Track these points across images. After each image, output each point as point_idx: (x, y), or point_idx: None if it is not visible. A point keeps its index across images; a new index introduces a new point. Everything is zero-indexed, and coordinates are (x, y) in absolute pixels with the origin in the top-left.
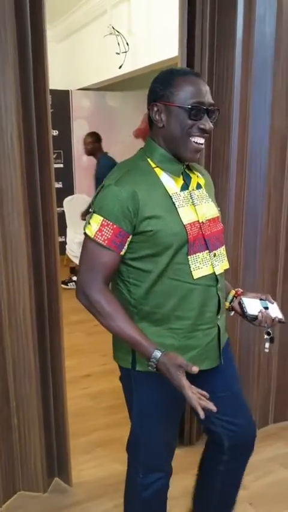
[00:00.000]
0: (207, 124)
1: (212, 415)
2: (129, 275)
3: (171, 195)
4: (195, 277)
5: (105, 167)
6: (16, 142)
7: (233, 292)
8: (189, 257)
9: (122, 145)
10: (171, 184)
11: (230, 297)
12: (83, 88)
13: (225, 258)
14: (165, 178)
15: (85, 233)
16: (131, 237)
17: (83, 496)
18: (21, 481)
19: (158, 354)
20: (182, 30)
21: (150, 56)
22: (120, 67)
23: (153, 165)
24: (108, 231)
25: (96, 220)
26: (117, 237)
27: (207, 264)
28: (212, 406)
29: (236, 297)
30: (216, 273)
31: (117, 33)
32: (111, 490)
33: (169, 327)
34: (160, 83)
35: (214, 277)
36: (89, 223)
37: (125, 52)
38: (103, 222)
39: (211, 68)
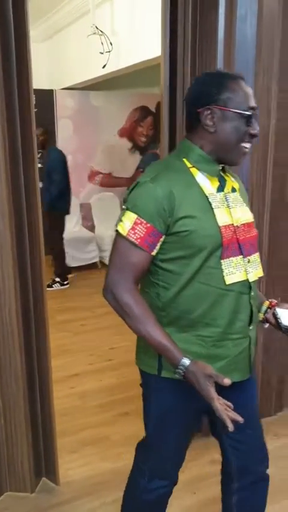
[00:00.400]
0: (257, 128)
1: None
2: (158, 277)
3: (207, 194)
4: (227, 283)
5: (55, 160)
6: (0, 142)
7: (267, 303)
8: (222, 261)
9: (106, 144)
10: (207, 184)
11: (264, 308)
12: (67, 88)
13: (260, 266)
14: (200, 178)
15: (116, 230)
16: (164, 237)
17: (70, 494)
18: (9, 481)
19: (186, 362)
20: (164, 31)
21: (134, 55)
22: (104, 67)
23: (189, 165)
24: (141, 229)
25: (130, 217)
26: (150, 237)
27: (240, 270)
28: (239, 417)
29: (270, 308)
30: (250, 280)
31: (100, 33)
32: (99, 488)
33: (197, 334)
34: (215, 87)
35: (247, 285)
36: (121, 221)
37: (109, 52)
38: (136, 220)
39: (193, 68)
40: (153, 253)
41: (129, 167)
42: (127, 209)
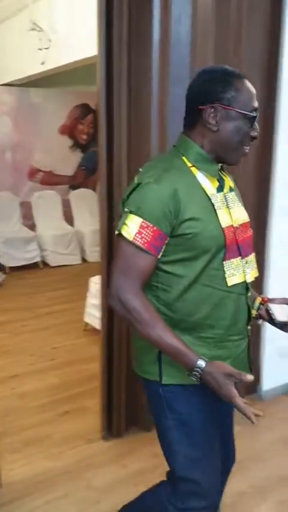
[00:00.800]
0: (257, 131)
1: None
2: (158, 279)
3: (209, 195)
4: (229, 285)
5: None
6: None
7: (259, 299)
8: (224, 262)
9: (46, 141)
10: (207, 184)
11: (257, 304)
12: (5, 84)
13: (255, 266)
14: (201, 178)
15: (120, 234)
16: (168, 239)
17: (13, 495)
18: None
19: (202, 363)
20: (100, 30)
21: (73, 53)
22: (42, 63)
23: (189, 164)
24: (148, 233)
25: (135, 221)
26: (157, 240)
27: (240, 271)
28: (260, 412)
29: (262, 304)
30: (247, 281)
31: (39, 29)
32: (42, 487)
33: (199, 335)
34: (219, 84)
35: (245, 286)
36: (126, 224)
37: (47, 48)
38: (142, 224)
39: (129, 67)
40: (159, 256)
41: (71, 165)
42: (131, 212)
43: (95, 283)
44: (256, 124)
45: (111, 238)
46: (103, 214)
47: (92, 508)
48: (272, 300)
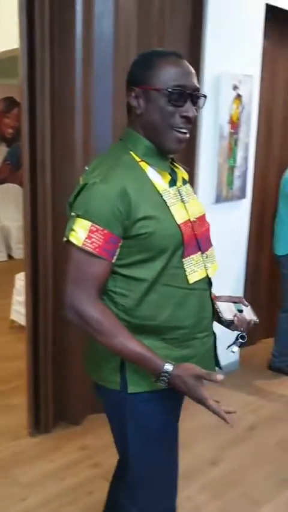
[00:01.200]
0: (191, 110)
1: None
2: (115, 284)
3: (161, 192)
4: (191, 282)
5: None
6: None
7: None
8: (184, 260)
9: None
10: (159, 180)
11: None
12: None
13: (215, 259)
14: (152, 174)
15: (68, 241)
16: (122, 241)
17: None
18: None
19: (169, 367)
20: (21, 24)
21: None
22: None
23: (137, 159)
24: (98, 237)
25: (83, 225)
26: (109, 243)
27: (201, 267)
28: (233, 409)
29: None
30: (209, 276)
31: None
32: None
33: (163, 337)
34: (140, 66)
35: (207, 281)
36: (73, 230)
37: None
38: (92, 228)
39: (52, 62)
40: (114, 260)
41: None
42: (78, 216)
43: (21, 280)
44: (187, 102)
45: (35, 235)
46: (26, 210)
47: (18, 504)
48: (218, 298)
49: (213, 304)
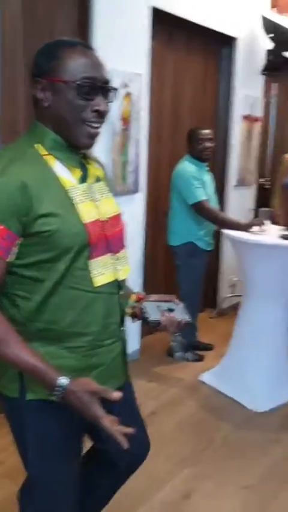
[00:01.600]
0: (102, 104)
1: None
2: (16, 286)
3: (67, 188)
4: (96, 285)
5: None
6: None
7: (134, 296)
8: (90, 261)
9: None
10: (67, 175)
11: (131, 302)
12: None
13: (127, 262)
14: (59, 168)
15: None
16: (20, 239)
17: None
18: None
19: (64, 382)
20: None
21: None
22: None
23: (43, 152)
24: None
25: None
26: (4, 240)
27: (109, 269)
28: (129, 429)
29: (138, 302)
30: (120, 279)
31: None
32: None
33: (66, 346)
34: (44, 55)
35: (116, 284)
36: None
37: None
38: None
39: None
40: (9, 259)
41: None
42: None
43: None
44: (98, 96)
45: None
46: None
47: None
48: (147, 298)
49: (122, 308)
